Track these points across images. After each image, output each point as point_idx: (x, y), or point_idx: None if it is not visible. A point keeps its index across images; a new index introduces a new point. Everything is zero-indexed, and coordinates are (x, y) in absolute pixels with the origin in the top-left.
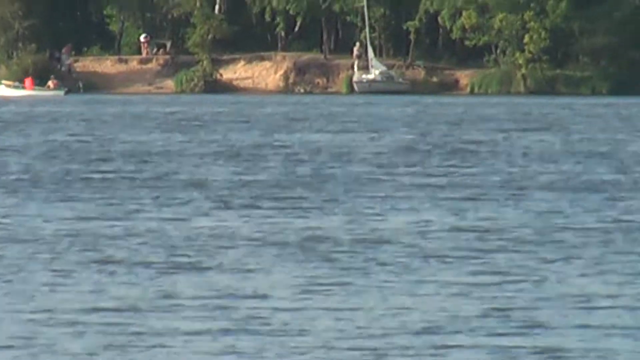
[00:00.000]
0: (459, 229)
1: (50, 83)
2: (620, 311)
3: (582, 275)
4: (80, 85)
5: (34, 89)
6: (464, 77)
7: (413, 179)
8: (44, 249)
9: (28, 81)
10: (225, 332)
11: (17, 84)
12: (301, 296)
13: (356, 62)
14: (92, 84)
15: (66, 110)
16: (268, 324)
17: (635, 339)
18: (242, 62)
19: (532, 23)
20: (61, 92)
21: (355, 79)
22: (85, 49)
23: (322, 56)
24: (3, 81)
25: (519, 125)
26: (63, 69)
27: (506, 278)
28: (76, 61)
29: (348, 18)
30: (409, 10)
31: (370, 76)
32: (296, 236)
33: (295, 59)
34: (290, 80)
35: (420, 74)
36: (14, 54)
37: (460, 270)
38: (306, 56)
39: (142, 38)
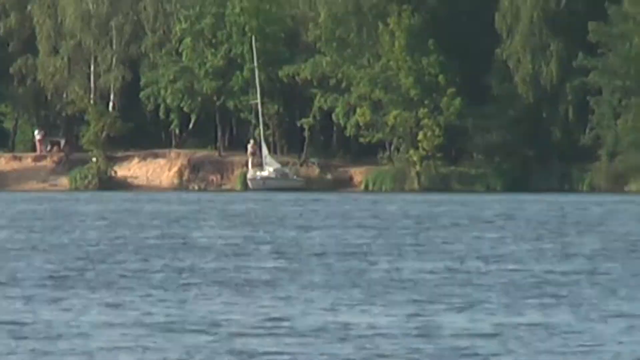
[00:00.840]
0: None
1: None
2: None
3: None
4: None
5: None
6: (358, 174)
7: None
8: None
9: None
10: None
11: None
12: None
13: (250, 159)
14: None
15: None
16: None
17: None
18: (136, 159)
19: (426, 120)
20: None
21: (249, 176)
22: None
23: (216, 153)
24: None
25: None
26: None
27: None
28: None
29: (242, 115)
30: (303, 108)
31: (265, 173)
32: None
33: (190, 155)
34: (185, 177)
35: (314, 171)
36: None
37: None
38: (200, 153)
39: (36, 135)
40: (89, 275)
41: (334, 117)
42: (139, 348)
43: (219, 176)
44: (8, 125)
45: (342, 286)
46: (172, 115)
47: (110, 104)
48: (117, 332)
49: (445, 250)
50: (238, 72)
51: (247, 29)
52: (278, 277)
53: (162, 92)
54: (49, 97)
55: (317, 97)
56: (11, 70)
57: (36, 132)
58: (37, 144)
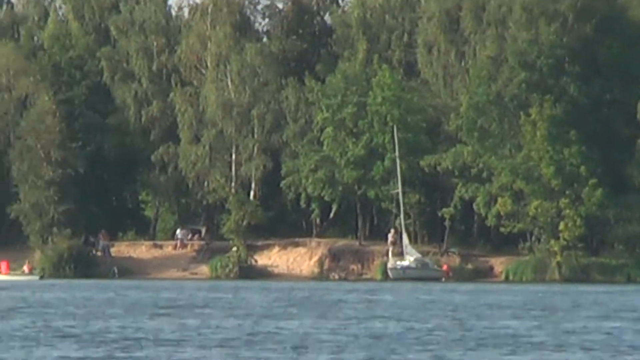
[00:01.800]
0: None
1: (25, 267)
2: None
3: None
4: (115, 270)
5: (9, 274)
6: (499, 264)
7: None
8: None
9: (4, 265)
10: None
11: None
12: None
13: (391, 249)
14: (127, 269)
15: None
16: None
17: None
18: (276, 248)
19: (567, 211)
20: (36, 277)
21: (389, 265)
22: (120, 234)
23: (356, 242)
24: None
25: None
26: (98, 253)
27: None
28: (111, 246)
29: (383, 204)
30: (444, 197)
31: (405, 263)
32: None
33: (330, 245)
34: (325, 267)
35: (455, 260)
36: (49, 239)
37: None
38: (341, 242)
39: (178, 234)
40: None
41: (474, 206)
42: None
43: (359, 265)
44: (149, 213)
45: None
46: (312, 204)
47: (252, 193)
48: None
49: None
50: (379, 162)
51: (388, 118)
52: None
53: (303, 181)
54: (190, 186)
55: (458, 187)
56: (153, 158)
57: (178, 230)
58: (178, 243)
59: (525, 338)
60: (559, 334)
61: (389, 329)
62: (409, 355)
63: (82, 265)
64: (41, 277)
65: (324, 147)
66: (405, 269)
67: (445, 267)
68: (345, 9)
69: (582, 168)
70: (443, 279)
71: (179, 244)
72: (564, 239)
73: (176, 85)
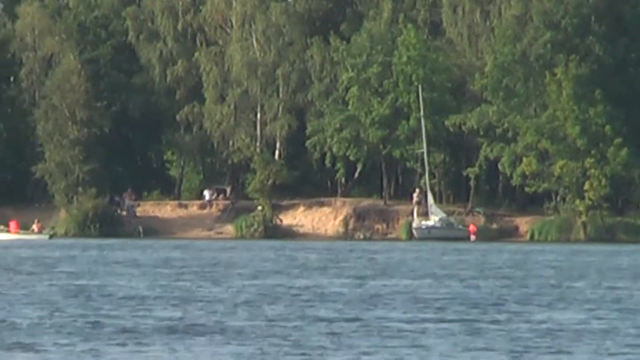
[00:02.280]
0: None
1: (34, 226)
2: None
3: None
4: (140, 230)
5: (18, 233)
6: (524, 223)
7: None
8: None
9: (13, 224)
10: None
11: (2, 227)
12: None
13: (416, 209)
14: (152, 229)
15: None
16: None
17: None
18: (301, 208)
19: (592, 170)
20: (46, 236)
21: (414, 225)
22: (145, 193)
23: (381, 202)
24: None
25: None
26: (123, 213)
27: None
28: (137, 206)
29: (408, 164)
30: (469, 157)
31: (430, 223)
32: None
33: (355, 204)
34: (350, 226)
35: (479, 220)
36: (74, 198)
37: None
38: (366, 202)
39: (205, 194)
40: None
41: (499, 166)
42: None
43: (384, 225)
44: (174, 173)
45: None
46: (338, 164)
47: (276, 152)
48: None
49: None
50: (404, 121)
51: (413, 77)
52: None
53: (328, 140)
54: (215, 145)
55: (483, 147)
56: (178, 117)
57: (206, 191)
58: (207, 204)
59: None
60: None
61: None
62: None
63: (107, 224)
64: (51, 237)
65: (349, 107)
66: (430, 228)
67: (472, 227)
68: None
69: (607, 127)
70: (472, 238)
71: (206, 205)
72: (589, 199)
73: (201, 44)
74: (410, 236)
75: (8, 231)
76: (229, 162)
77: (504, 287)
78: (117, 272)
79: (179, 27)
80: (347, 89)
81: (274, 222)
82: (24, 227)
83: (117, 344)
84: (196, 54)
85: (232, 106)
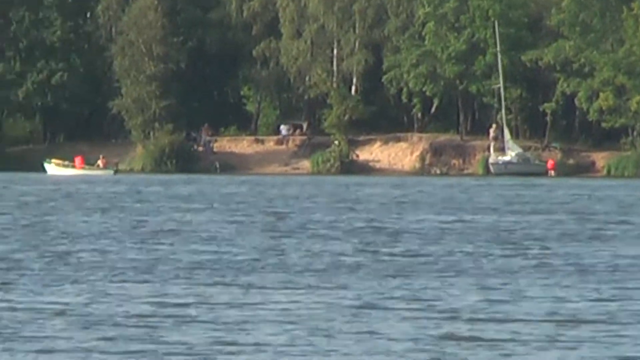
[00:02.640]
0: None
1: (99, 162)
2: None
3: None
4: (217, 165)
5: (83, 168)
6: (600, 159)
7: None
8: None
9: (78, 160)
10: None
11: (67, 162)
12: None
13: (492, 144)
14: (229, 165)
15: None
16: None
17: None
18: (378, 143)
19: None
20: (110, 172)
21: (491, 160)
22: (222, 129)
23: (458, 137)
24: (53, 160)
25: None
26: (200, 149)
27: None
28: (214, 141)
29: (484, 99)
30: (545, 92)
31: (507, 158)
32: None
33: (432, 139)
34: (426, 162)
35: (556, 155)
36: (151, 134)
37: None
38: (442, 137)
39: (282, 130)
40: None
41: (576, 101)
42: None
43: (460, 160)
44: (251, 108)
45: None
46: (414, 99)
47: (353, 88)
48: None
49: None
50: (480, 57)
51: (490, 13)
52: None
53: (405, 75)
54: (291, 80)
55: (560, 82)
56: (254, 53)
57: (282, 126)
58: (283, 140)
59: None
60: None
61: None
62: None
63: (183, 160)
64: (115, 172)
65: (426, 42)
66: (506, 163)
67: (550, 162)
68: None
69: None
70: (551, 173)
71: (282, 141)
72: None
73: None
74: (486, 171)
75: (73, 166)
76: (306, 97)
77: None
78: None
79: None
80: (423, 24)
81: (350, 157)
82: (111, 162)
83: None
84: None
85: (308, 41)
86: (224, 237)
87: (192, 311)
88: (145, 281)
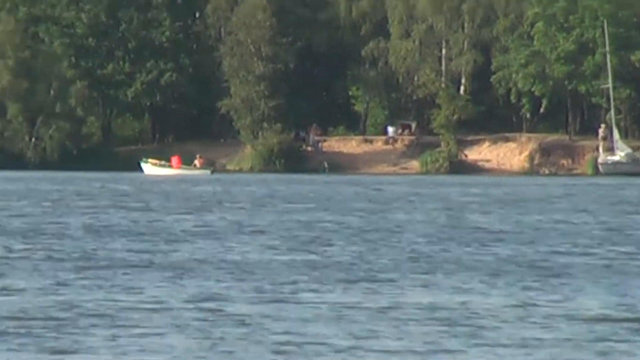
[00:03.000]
0: None
1: (196, 162)
2: None
3: None
4: (325, 165)
5: (180, 168)
6: None
7: None
8: None
9: (175, 160)
10: None
11: (163, 162)
12: None
13: (601, 144)
14: (337, 164)
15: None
16: None
17: None
18: (487, 143)
19: None
20: (208, 171)
21: (600, 160)
22: (331, 129)
23: (567, 137)
24: (150, 160)
25: None
26: (309, 148)
27: None
28: (322, 141)
29: (593, 99)
30: None
31: (616, 158)
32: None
33: (540, 140)
34: (535, 162)
35: None
36: (259, 133)
37: None
38: (551, 137)
39: (389, 130)
40: None
41: None
42: None
43: (569, 160)
44: (359, 108)
45: None
46: (523, 99)
47: (461, 88)
48: None
49: None
50: (590, 57)
51: (599, 13)
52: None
53: (514, 75)
54: (400, 80)
55: None
56: (363, 53)
57: (389, 128)
58: (391, 140)
59: None
60: None
61: None
62: None
63: (292, 160)
64: (212, 172)
65: (535, 42)
66: (615, 163)
67: None
68: None
69: None
70: None
71: (390, 141)
72: None
73: None
74: (595, 172)
75: (170, 166)
76: (414, 97)
77: None
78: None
79: None
80: (532, 25)
81: (459, 157)
82: (208, 162)
83: None
84: None
85: (417, 41)
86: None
87: None
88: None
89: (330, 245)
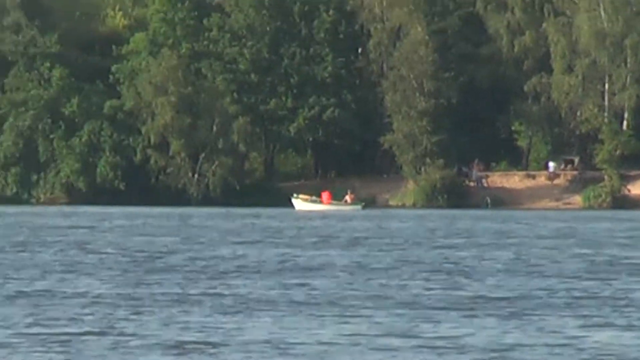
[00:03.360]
0: None
1: (347, 197)
2: None
3: None
4: (488, 201)
5: (331, 203)
6: None
7: None
8: None
9: (325, 195)
10: None
11: (314, 198)
12: None
13: None
14: (499, 200)
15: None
16: None
17: None
18: None
19: None
20: (359, 206)
21: None
22: (494, 164)
23: None
24: (300, 195)
25: None
26: (472, 184)
27: None
28: (485, 177)
29: None
30: None
31: None
32: None
33: None
34: None
35: None
36: (422, 169)
37: None
38: None
39: (550, 166)
40: None
41: None
42: None
43: None
44: (522, 143)
45: None
46: None
47: (625, 122)
48: None
49: None
50: None
51: None
52: None
53: None
54: (562, 115)
55: None
56: (526, 88)
57: (550, 163)
58: (550, 176)
59: None
60: None
61: None
62: None
63: (454, 195)
64: (363, 207)
65: None
66: None
67: None
68: None
69: None
70: None
71: (551, 177)
72: None
73: (549, 14)
74: None
75: (320, 202)
76: (577, 132)
77: None
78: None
79: None
80: None
81: (622, 192)
82: (367, 199)
83: None
84: (544, 24)
85: (580, 76)
86: None
87: None
88: None
89: None
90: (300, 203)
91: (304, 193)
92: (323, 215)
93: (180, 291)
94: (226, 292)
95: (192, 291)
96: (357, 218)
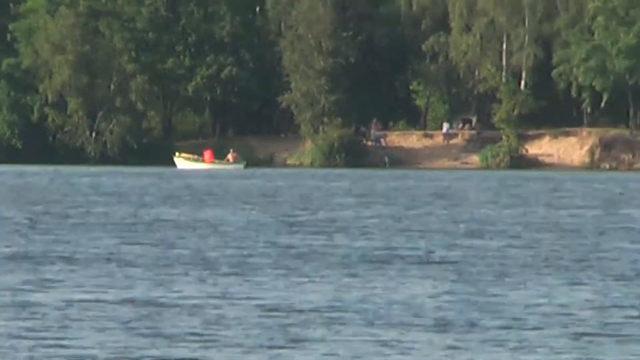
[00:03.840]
0: None
1: (229, 156)
2: None
3: None
4: (386, 160)
5: (213, 162)
6: None
7: None
8: None
9: (207, 154)
10: None
11: (196, 157)
12: None
13: None
14: (398, 159)
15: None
16: None
17: None
18: (547, 138)
19: None
20: (241, 165)
21: None
22: (391, 123)
23: (628, 132)
24: (182, 154)
25: None
26: (369, 143)
27: None
28: (383, 136)
29: None
30: None
31: None
32: None
33: (601, 134)
34: (596, 156)
35: None
36: (320, 128)
37: None
38: (612, 132)
39: (444, 127)
40: None
41: None
42: None
43: (630, 155)
44: (420, 102)
45: None
46: (583, 94)
47: (522, 82)
48: None
49: None
50: None
51: None
52: None
53: (574, 70)
54: (460, 75)
55: None
56: (424, 47)
57: (445, 124)
58: (445, 136)
59: None
60: None
61: None
62: None
63: (352, 155)
64: (245, 167)
65: (595, 36)
66: None
67: None
68: None
69: None
70: None
71: (446, 137)
72: None
73: None
74: None
75: (203, 161)
76: (475, 92)
77: None
78: None
79: None
80: (593, 18)
81: (519, 152)
82: (265, 158)
83: None
84: None
85: (477, 36)
86: None
87: None
88: None
89: None
90: (182, 162)
91: (190, 153)
92: (201, 175)
93: None
94: None
95: None
96: (236, 177)
